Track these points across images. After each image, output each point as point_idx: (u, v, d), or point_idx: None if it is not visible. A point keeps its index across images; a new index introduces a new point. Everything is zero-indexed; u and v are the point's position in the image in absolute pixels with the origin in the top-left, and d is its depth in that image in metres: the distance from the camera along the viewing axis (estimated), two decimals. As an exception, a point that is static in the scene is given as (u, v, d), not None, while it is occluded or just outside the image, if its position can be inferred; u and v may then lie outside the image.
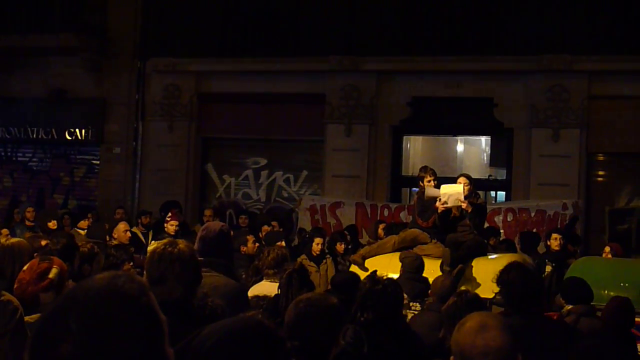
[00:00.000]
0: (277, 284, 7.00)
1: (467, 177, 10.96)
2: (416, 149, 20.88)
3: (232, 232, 6.79)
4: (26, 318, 5.38)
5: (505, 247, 13.96)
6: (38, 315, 5.32)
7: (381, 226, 14.72)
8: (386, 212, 17.33)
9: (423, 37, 18.39)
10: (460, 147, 22.07)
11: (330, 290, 7.86)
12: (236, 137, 20.49)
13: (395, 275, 8.71)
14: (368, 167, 18.84)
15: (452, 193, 10.43)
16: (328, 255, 13.05)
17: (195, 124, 20.45)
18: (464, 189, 10.47)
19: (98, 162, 21.42)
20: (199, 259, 4.81)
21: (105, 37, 20.68)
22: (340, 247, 13.52)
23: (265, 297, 6.68)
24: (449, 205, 10.47)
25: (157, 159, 20.47)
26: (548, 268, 12.89)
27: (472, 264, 10.04)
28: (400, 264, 9.74)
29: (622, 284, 9.49)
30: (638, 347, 7.94)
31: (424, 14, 18.49)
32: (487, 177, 19.84)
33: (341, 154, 18.91)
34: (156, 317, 2.01)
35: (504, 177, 18.91)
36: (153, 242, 12.60)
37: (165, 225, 13.74)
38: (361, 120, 18.87)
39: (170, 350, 2.05)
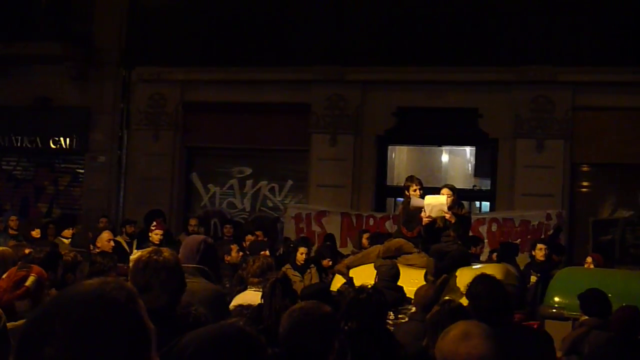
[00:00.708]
0: (261, 293, 7.00)
1: (451, 188, 10.99)
2: (401, 159, 20.91)
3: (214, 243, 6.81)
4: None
5: (497, 256, 13.98)
6: (20, 322, 5.30)
7: (365, 236, 14.79)
8: (371, 222, 17.35)
9: (408, 48, 18.43)
10: (445, 157, 22.12)
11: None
12: (221, 147, 20.47)
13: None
14: (353, 177, 18.85)
15: (436, 204, 10.46)
16: (312, 265, 13.07)
17: (180, 133, 20.43)
18: (447, 200, 10.50)
19: (82, 171, 21.34)
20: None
21: (90, 45, 20.64)
22: (328, 263, 13.54)
23: (249, 306, 6.66)
24: (433, 216, 10.50)
25: (142, 168, 20.42)
26: (533, 278, 12.95)
27: (456, 273, 10.06)
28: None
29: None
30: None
31: (409, 24, 18.53)
32: (471, 188, 19.89)
33: (326, 163, 18.92)
34: (143, 324, 2.01)
35: (489, 188, 18.97)
36: (136, 251, 12.58)
37: (150, 234, 13.72)
38: (346, 130, 18.89)
39: (157, 359, 2.05)
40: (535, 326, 7.53)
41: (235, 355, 2.30)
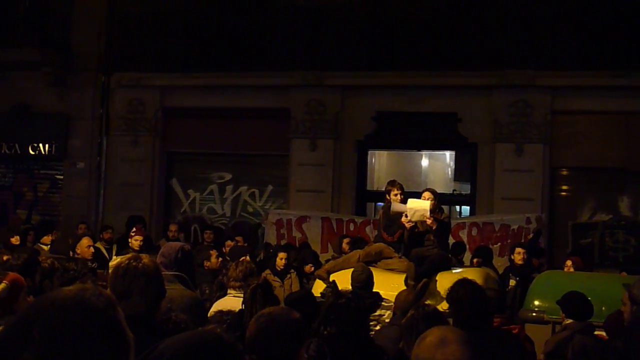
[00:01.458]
0: (241, 298, 6.99)
1: (432, 191, 10.99)
2: (381, 163, 20.93)
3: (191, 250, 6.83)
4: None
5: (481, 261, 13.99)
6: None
7: (345, 240, 14.83)
8: (352, 227, 17.35)
9: (387, 53, 18.48)
10: (424, 162, 22.15)
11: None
12: (201, 152, 20.44)
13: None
14: (333, 182, 18.86)
15: (418, 209, 10.46)
16: (292, 271, 13.07)
17: (160, 139, 20.38)
18: (430, 205, 10.50)
19: (62, 177, 21.26)
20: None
21: (68, 51, 20.58)
22: (310, 269, 13.56)
23: (229, 312, 6.66)
24: (413, 220, 10.50)
25: (122, 174, 20.36)
26: (512, 282, 12.98)
27: (437, 278, 10.07)
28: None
29: (585, 298, 9.53)
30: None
31: (388, 29, 18.58)
32: (451, 192, 19.92)
33: (306, 168, 18.92)
34: (122, 332, 2.01)
35: (468, 192, 19.01)
36: (115, 257, 12.55)
37: (130, 240, 13.67)
38: (326, 135, 18.90)
39: None
40: (515, 330, 7.52)
41: (211, 361, 2.29)
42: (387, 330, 7.91)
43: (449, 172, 21.80)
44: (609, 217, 17.41)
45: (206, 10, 19.83)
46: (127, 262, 4.50)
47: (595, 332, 7.89)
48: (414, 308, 6.36)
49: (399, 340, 6.58)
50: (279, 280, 12.37)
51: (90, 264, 11.65)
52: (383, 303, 9.28)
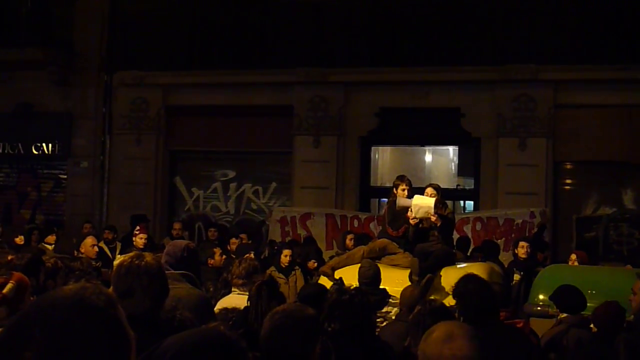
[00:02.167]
0: (246, 296, 6.98)
1: (436, 187, 10.96)
2: (384, 159, 20.93)
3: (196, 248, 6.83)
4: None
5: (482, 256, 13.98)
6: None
7: (349, 237, 14.83)
8: (356, 223, 17.35)
9: (390, 48, 18.47)
10: (428, 157, 22.17)
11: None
12: (204, 150, 20.45)
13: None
14: (337, 178, 18.86)
15: (423, 205, 10.43)
16: (297, 267, 13.07)
17: (163, 137, 20.39)
18: (434, 201, 10.48)
19: (65, 176, 21.28)
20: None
21: (71, 51, 20.60)
22: (313, 264, 13.57)
23: (234, 310, 6.64)
24: (418, 217, 10.49)
25: (125, 173, 20.37)
26: (516, 277, 12.96)
27: (441, 273, 10.05)
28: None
29: (589, 291, 9.53)
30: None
31: (390, 25, 18.56)
32: (455, 187, 19.94)
33: (310, 165, 18.92)
34: (123, 330, 2.00)
35: (472, 187, 19.02)
36: (119, 256, 12.55)
37: (134, 239, 13.67)
38: (329, 131, 18.89)
39: None
40: (520, 324, 7.52)
41: (215, 359, 2.29)
42: (393, 327, 7.90)
43: (453, 167, 21.83)
44: (612, 211, 17.41)
45: (208, 8, 19.83)
46: (129, 260, 4.50)
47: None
48: (421, 303, 6.36)
49: (404, 336, 6.58)
50: (284, 277, 12.37)
51: (94, 263, 11.66)
52: (390, 300, 9.26)
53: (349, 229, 16.81)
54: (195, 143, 20.34)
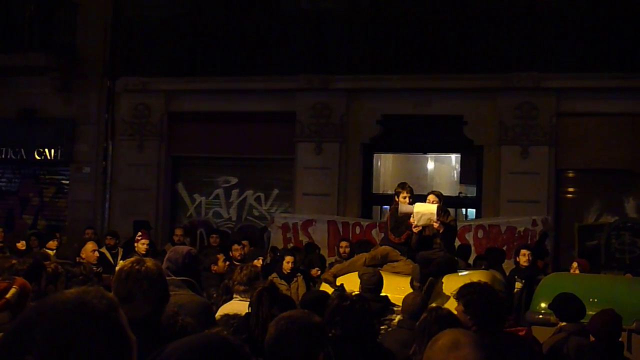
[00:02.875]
0: (247, 302, 6.97)
1: (438, 194, 10.95)
2: (386, 166, 20.93)
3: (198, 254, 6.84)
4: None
5: (486, 264, 13.95)
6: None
7: (343, 244, 14.94)
8: (358, 230, 17.33)
9: (392, 56, 18.47)
10: (430, 165, 22.16)
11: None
12: (206, 156, 20.47)
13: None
14: (339, 185, 18.85)
15: (425, 212, 10.43)
16: (299, 274, 13.07)
17: (166, 143, 20.40)
18: (436, 209, 10.47)
19: (67, 182, 21.29)
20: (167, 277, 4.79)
21: (74, 56, 20.62)
22: (316, 272, 13.58)
23: (235, 316, 6.64)
24: (420, 224, 10.48)
25: (127, 179, 20.38)
26: (518, 285, 12.95)
27: (443, 280, 10.04)
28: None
29: (591, 300, 9.52)
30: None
31: (393, 32, 18.57)
32: (457, 195, 19.91)
33: (312, 172, 18.92)
34: (124, 334, 2.00)
35: (474, 194, 18.99)
36: (121, 262, 12.53)
37: (136, 244, 13.68)
38: (331, 138, 18.89)
39: None
40: (522, 332, 7.51)
41: (218, 364, 2.29)
42: (395, 334, 7.90)
43: (455, 175, 21.79)
44: (615, 219, 17.37)
45: (211, 15, 19.86)
46: (130, 265, 4.50)
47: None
48: (427, 311, 6.35)
49: (407, 344, 6.57)
50: (286, 283, 12.39)
51: (95, 268, 11.65)
52: (394, 308, 9.25)
53: (350, 235, 16.81)
54: (197, 149, 20.35)
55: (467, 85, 17.96)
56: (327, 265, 13.97)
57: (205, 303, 6.39)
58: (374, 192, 19.53)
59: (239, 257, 14.01)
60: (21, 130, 20.89)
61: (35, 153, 21.18)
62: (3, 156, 21.48)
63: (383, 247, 11.05)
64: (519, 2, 17.77)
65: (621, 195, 17.78)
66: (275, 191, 20.04)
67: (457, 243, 13.46)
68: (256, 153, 19.80)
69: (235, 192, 20.31)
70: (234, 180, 20.36)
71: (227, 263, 12.68)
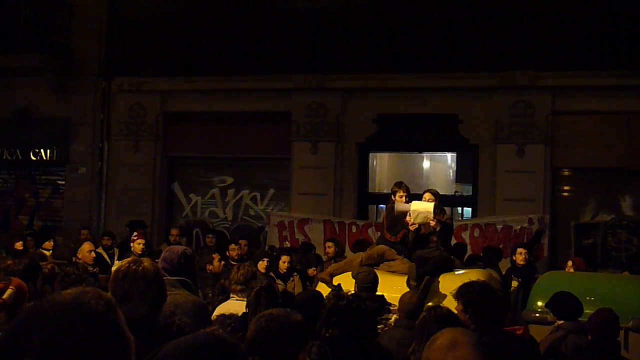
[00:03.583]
0: (244, 302, 6.97)
1: (434, 193, 10.96)
2: (382, 165, 20.93)
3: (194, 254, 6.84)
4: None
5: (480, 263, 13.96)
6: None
7: (328, 244, 15.01)
8: (354, 229, 17.36)
9: (388, 55, 18.46)
10: (426, 164, 22.15)
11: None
12: (202, 156, 20.45)
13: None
14: (335, 185, 18.84)
15: (422, 211, 10.43)
16: (295, 274, 13.08)
17: (161, 143, 20.38)
18: (433, 207, 10.47)
19: (63, 182, 21.27)
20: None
21: (69, 57, 20.59)
22: (313, 272, 13.59)
23: (231, 316, 6.64)
24: (417, 222, 10.48)
25: (123, 179, 20.37)
26: (514, 283, 12.96)
27: (439, 279, 10.04)
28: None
29: (588, 298, 9.53)
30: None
31: (388, 31, 18.56)
32: (453, 193, 19.94)
33: (308, 171, 18.91)
34: (123, 335, 1.99)
35: (470, 193, 18.98)
36: (117, 262, 12.52)
37: (132, 244, 13.65)
38: (327, 137, 18.89)
39: None
40: (520, 331, 7.51)
41: (215, 363, 2.28)
42: (392, 333, 7.90)
43: (451, 174, 21.81)
44: (611, 217, 17.42)
45: (206, 14, 19.83)
46: (126, 265, 4.49)
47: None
48: (426, 310, 6.35)
49: (404, 343, 6.57)
50: (282, 283, 12.38)
51: (91, 268, 11.66)
52: (390, 307, 9.25)
53: (346, 234, 16.84)
54: (193, 149, 20.33)
55: (462, 84, 17.96)
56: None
57: (201, 302, 6.40)
58: (369, 191, 19.51)
59: (236, 257, 14.02)
60: (17, 130, 20.86)
61: (31, 153, 21.16)
62: (-1, 157, 21.49)
63: (379, 246, 11.04)
64: (514, 0, 17.76)
65: (617, 194, 17.79)
66: (271, 191, 20.03)
67: (453, 242, 13.48)
68: (252, 153, 19.78)
69: (231, 192, 20.30)
70: (229, 180, 20.35)
71: (223, 263, 12.69)
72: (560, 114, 17.74)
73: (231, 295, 8.13)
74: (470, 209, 19.24)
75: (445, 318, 5.74)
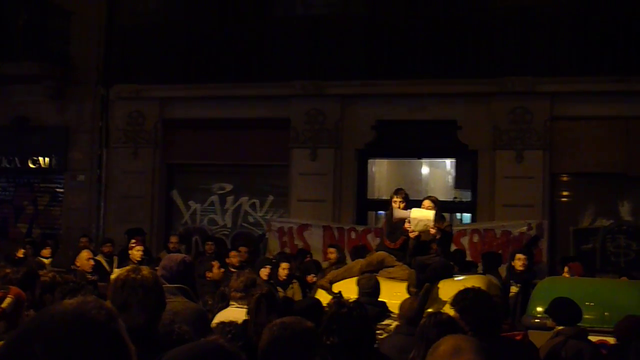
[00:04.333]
0: (244, 309, 6.96)
1: (434, 200, 10.93)
2: (381, 172, 20.92)
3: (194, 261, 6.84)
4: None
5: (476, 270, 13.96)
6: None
7: (330, 250, 14.99)
8: (353, 235, 17.36)
9: (386, 61, 18.47)
10: (425, 170, 22.15)
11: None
12: (201, 163, 20.44)
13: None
14: (334, 191, 18.83)
15: (422, 218, 10.40)
16: (295, 280, 13.06)
17: (160, 151, 20.38)
18: (433, 215, 10.45)
19: (62, 190, 21.25)
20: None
21: (68, 64, 20.60)
22: (312, 279, 13.56)
23: (231, 323, 6.62)
24: (417, 230, 10.46)
25: (122, 186, 20.36)
26: (513, 289, 12.95)
27: (439, 285, 10.03)
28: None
29: (587, 303, 9.53)
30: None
31: (386, 38, 18.59)
32: (452, 199, 19.92)
33: (307, 178, 18.90)
34: (124, 344, 1.99)
35: (469, 199, 18.97)
36: (116, 270, 12.52)
37: (131, 252, 13.62)
38: (326, 144, 18.89)
39: None
40: (519, 337, 7.52)
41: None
42: (392, 339, 7.87)
43: (450, 180, 21.79)
44: (609, 223, 17.42)
45: (205, 22, 19.86)
46: (125, 274, 4.49)
47: (595, 337, 7.91)
48: (427, 316, 6.34)
49: (404, 349, 6.56)
50: (282, 290, 12.36)
51: (90, 276, 11.65)
52: (391, 314, 9.24)
53: (346, 240, 16.83)
54: (192, 156, 20.33)
55: (461, 90, 17.97)
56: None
57: (200, 310, 6.39)
58: (369, 197, 19.50)
59: (236, 264, 14.01)
60: (15, 138, 20.86)
61: (30, 161, 21.16)
62: (-3, 165, 21.48)
63: (379, 252, 11.03)
64: (513, 7, 17.78)
65: (616, 199, 17.78)
66: (270, 197, 20.02)
67: (452, 248, 13.47)
68: (251, 160, 19.78)
69: (230, 198, 20.29)
70: (228, 187, 20.34)
71: (222, 270, 12.67)
72: (558, 120, 17.75)
73: (231, 302, 8.11)
74: (469, 215, 19.23)
75: (445, 324, 5.74)
